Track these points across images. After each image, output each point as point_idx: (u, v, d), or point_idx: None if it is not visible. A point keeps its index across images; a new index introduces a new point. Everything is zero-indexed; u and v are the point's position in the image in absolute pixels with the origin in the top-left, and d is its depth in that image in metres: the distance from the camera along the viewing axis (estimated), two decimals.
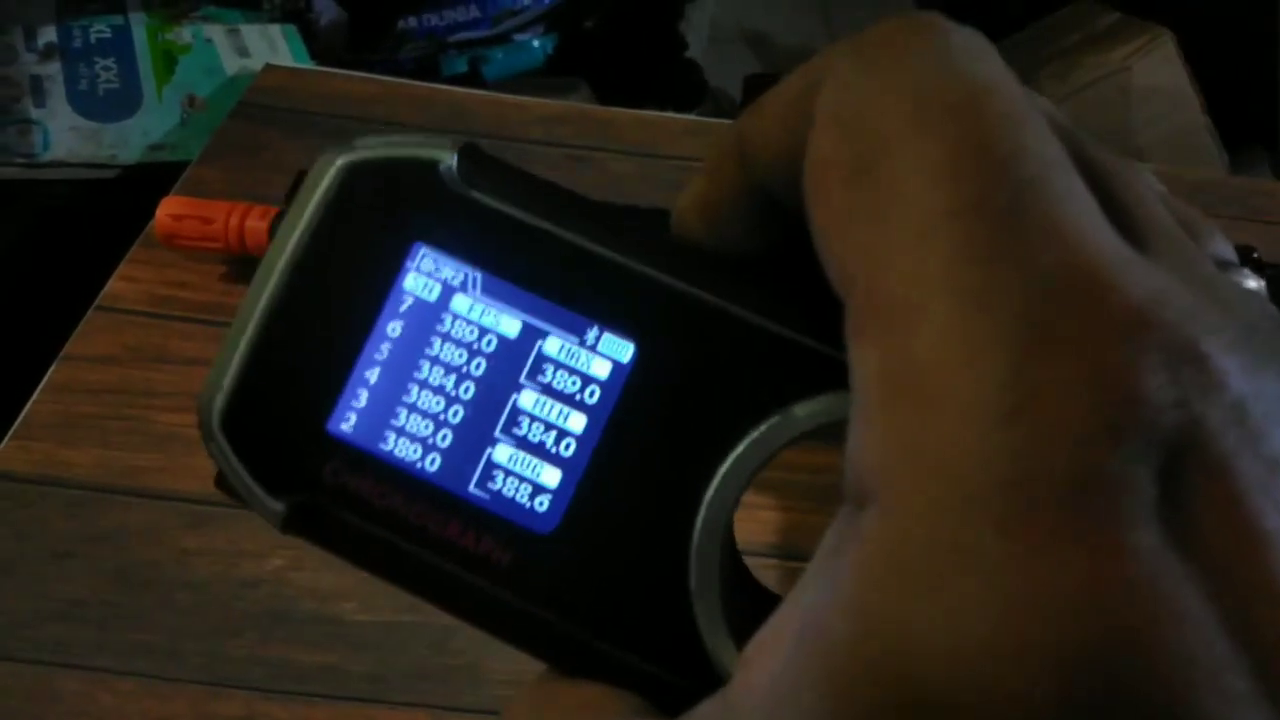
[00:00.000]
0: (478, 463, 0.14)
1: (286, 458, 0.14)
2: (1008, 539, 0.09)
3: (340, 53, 0.87)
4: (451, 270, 0.14)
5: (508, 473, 0.14)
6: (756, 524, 0.44)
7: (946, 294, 0.10)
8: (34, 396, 0.47)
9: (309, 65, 0.69)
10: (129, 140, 0.63)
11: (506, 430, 0.14)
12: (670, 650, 0.13)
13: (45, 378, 0.47)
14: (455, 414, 0.14)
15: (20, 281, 0.60)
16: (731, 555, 0.14)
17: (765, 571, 0.35)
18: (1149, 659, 0.09)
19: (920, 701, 0.09)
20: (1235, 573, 0.10)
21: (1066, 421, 0.09)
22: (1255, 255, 0.55)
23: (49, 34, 0.65)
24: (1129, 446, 0.09)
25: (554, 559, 0.14)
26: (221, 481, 0.15)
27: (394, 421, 0.14)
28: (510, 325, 0.14)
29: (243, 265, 0.52)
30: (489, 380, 0.14)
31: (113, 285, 0.52)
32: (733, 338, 0.14)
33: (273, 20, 0.71)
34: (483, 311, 0.14)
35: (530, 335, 0.14)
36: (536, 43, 0.97)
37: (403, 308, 0.14)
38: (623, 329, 0.14)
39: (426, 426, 0.14)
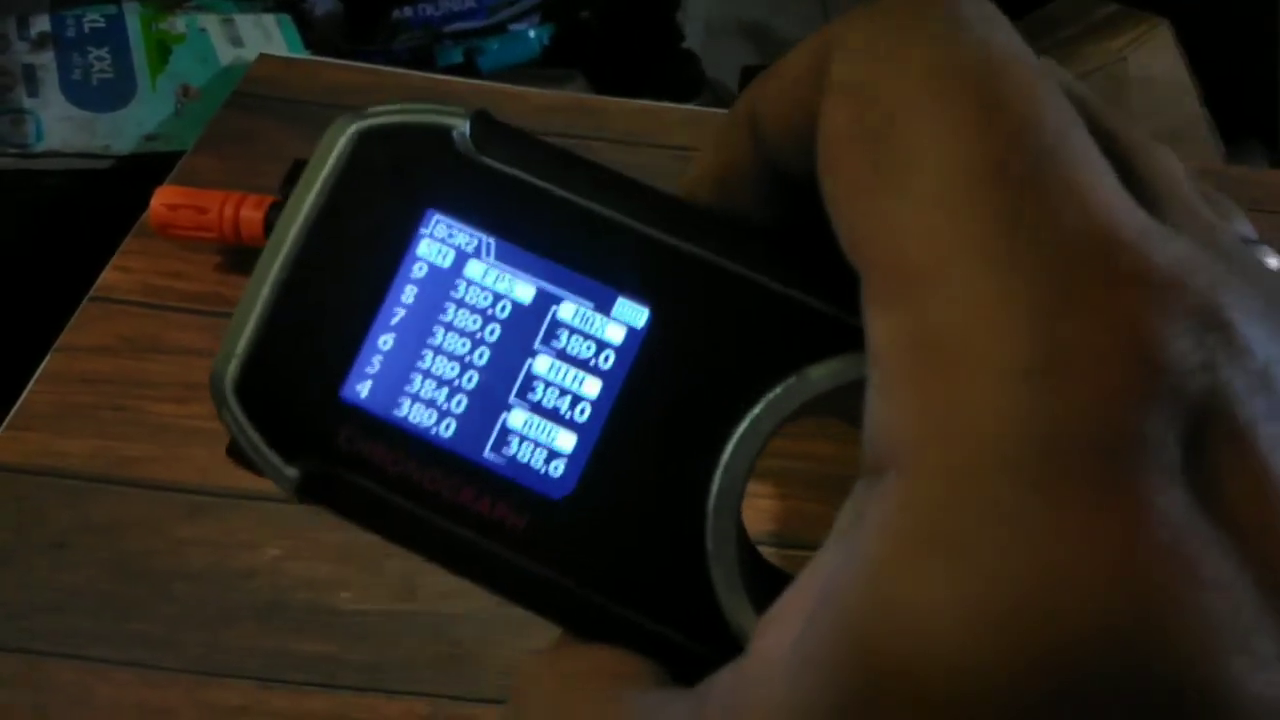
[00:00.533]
0: (492, 428, 0.14)
1: (300, 424, 0.14)
2: (1039, 501, 0.09)
3: (336, 43, 0.86)
4: (465, 236, 0.14)
5: (523, 438, 0.14)
6: (754, 511, 0.44)
7: (968, 259, 0.10)
8: (29, 386, 0.46)
9: (304, 55, 0.68)
10: (123, 130, 0.63)
11: (521, 395, 0.14)
12: (686, 614, 0.13)
13: (40, 368, 0.47)
14: (470, 380, 0.14)
15: (14, 272, 0.60)
16: (742, 525, 0.14)
17: None
18: (1178, 623, 0.09)
19: (941, 667, 0.09)
20: (1262, 536, 0.10)
21: (1095, 384, 0.09)
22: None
23: (42, 23, 0.65)
24: (1157, 409, 0.09)
25: (569, 523, 0.14)
26: (234, 449, 0.15)
27: (408, 388, 0.14)
28: (524, 291, 0.14)
29: (237, 255, 0.52)
30: (503, 346, 0.14)
31: (107, 275, 0.52)
32: (746, 301, 0.13)
33: (267, 10, 0.71)
34: (496, 277, 0.14)
35: (544, 300, 0.14)
36: (532, 33, 0.97)
37: (416, 274, 0.14)
38: (637, 293, 0.14)
39: (441, 392, 0.14)
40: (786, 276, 0.13)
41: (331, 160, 0.14)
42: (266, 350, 0.14)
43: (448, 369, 0.14)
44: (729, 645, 0.13)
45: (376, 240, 0.14)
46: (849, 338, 0.13)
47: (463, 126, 0.14)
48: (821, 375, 0.13)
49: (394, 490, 0.14)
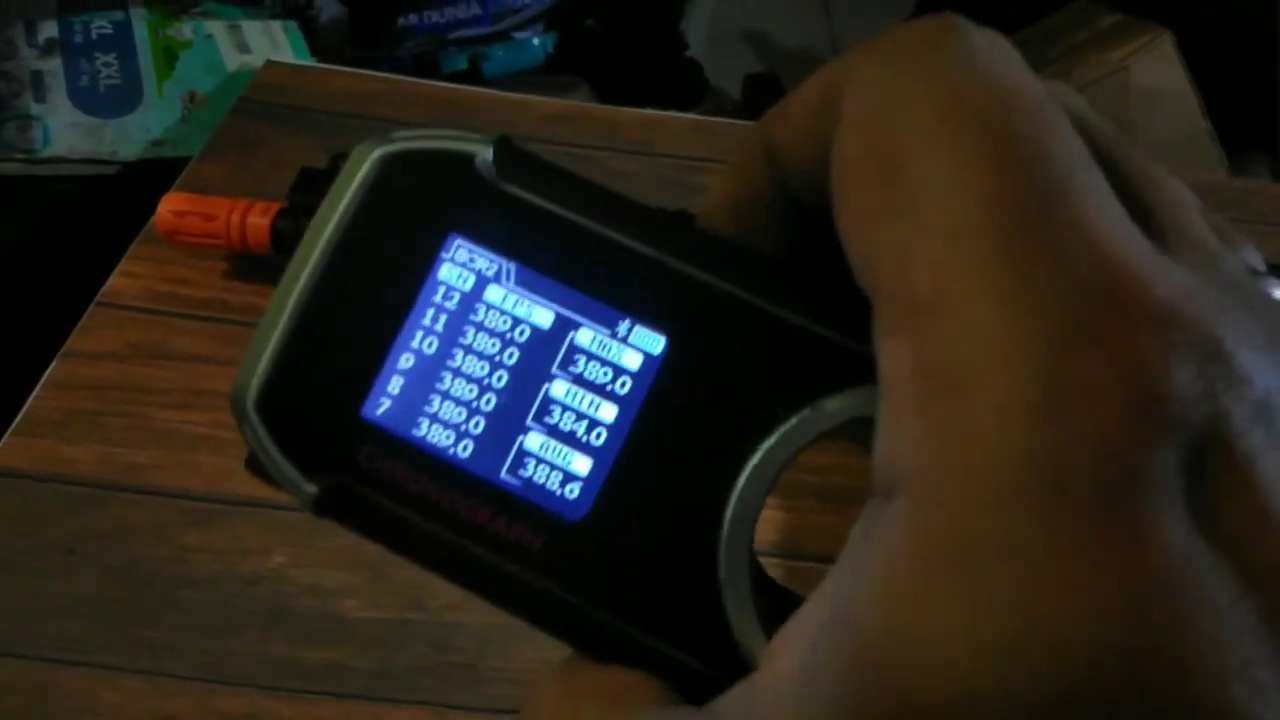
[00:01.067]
0: (509, 450, 0.14)
1: (320, 441, 0.14)
2: (1044, 532, 0.10)
3: (341, 49, 0.87)
4: (486, 261, 0.14)
5: (539, 460, 0.14)
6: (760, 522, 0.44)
7: (978, 292, 0.10)
8: (35, 393, 0.46)
9: (310, 62, 0.69)
10: (129, 136, 0.63)
11: (538, 419, 0.14)
12: (698, 638, 0.14)
13: (46, 374, 0.47)
14: (488, 402, 0.14)
15: (21, 277, 0.60)
16: (754, 550, 0.14)
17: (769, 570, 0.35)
18: (1179, 651, 0.09)
19: (950, 692, 0.09)
20: (1263, 566, 0.10)
21: (1099, 417, 0.10)
22: None
23: (50, 29, 0.65)
24: (1158, 441, 0.10)
25: (584, 545, 0.14)
26: (253, 462, 0.15)
27: (427, 408, 0.14)
28: (543, 316, 0.14)
29: (244, 262, 0.52)
30: (521, 369, 0.14)
31: (113, 281, 0.52)
32: (763, 332, 0.14)
33: (273, 17, 0.71)
34: (516, 302, 0.14)
35: (563, 326, 0.14)
36: (537, 40, 0.97)
37: (437, 297, 0.14)
38: (654, 321, 0.14)
39: (459, 414, 0.14)
40: (802, 308, 0.14)
41: (356, 183, 0.14)
42: (288, 367, 0.14)
43: (467, 391, 0.14)
44: (739, 667, 0.13)
45: (399, 262, 0.14)
46: (864, 369, 0.13)
47: (485, 153, 0.14)
48: (836, 407, 0.13)
49: (411, 508, 0.14)
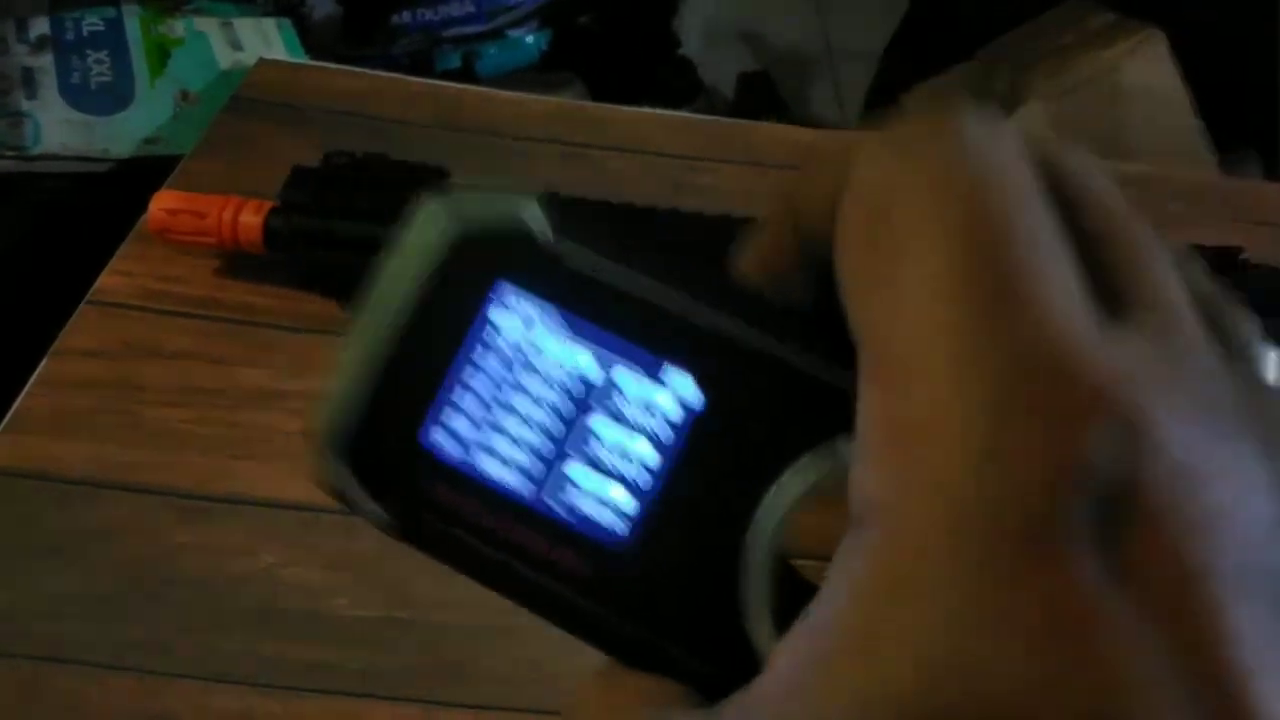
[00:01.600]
0: (560, 482, 0.16)
1: (390, 472, 0.16)
2: (975, 572, 0.11)
3: (334, 47, 0.86)
4: (534, 308, 0.16)
5: (585, 493, 0.16)
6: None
7: (939, 355, 0.12)
8: (25, 390, 0.46)
9: (304, 59, 0.68)
10: (121, 134, 0.63)
11: (584, 456, 0.16)
12: (723, 652, 0.15)
13: (36, 371, 0.47)
14: (538, 438, 0.16)
15: (11, 274, 0.60)
16: (782, 564, 0.16)
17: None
18: (1088, 680, 0.11)
19: (899, 703, 0.11)
20: (1165, 602, 0.11)
21: (1026, 477, 0.12)
22: (1243, 256, 0.55)
23: (41, 25, 0.64)
24: (1074, 499, 0.11)
25: (624, 570, 0.16)
26: (331, 491, 0.17)
27: (482, 442, 0.16)
28: (588, 360, 0.16)
29: (236, 259, 0.52)
30: (568, 409, 0.16)
31: (105, 279, 0.52)
32: (787, 383, 0.16)
33: (266, 14, 0.71)
34: (563, 346, 0.16)
35: (607, 369, 0.16)
36: (530, 39, 0.97)
37: (491, 338, 0.16)
38: (691, 370, 0.16)
39: (512, 448, 0.16)
40: (824, 361, 0.15)
41: (422, 244, 0.16)
42: (359, 406, 0.16)
43: (518, 427, 0.16)
44: (755, 674, 0.15)
45: (454, 307, 0.16)
46: None
47: (533, 208, 0.16)
48: (845, 449, 0.15)
49: (472, 534, 0.16)
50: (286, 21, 0.70)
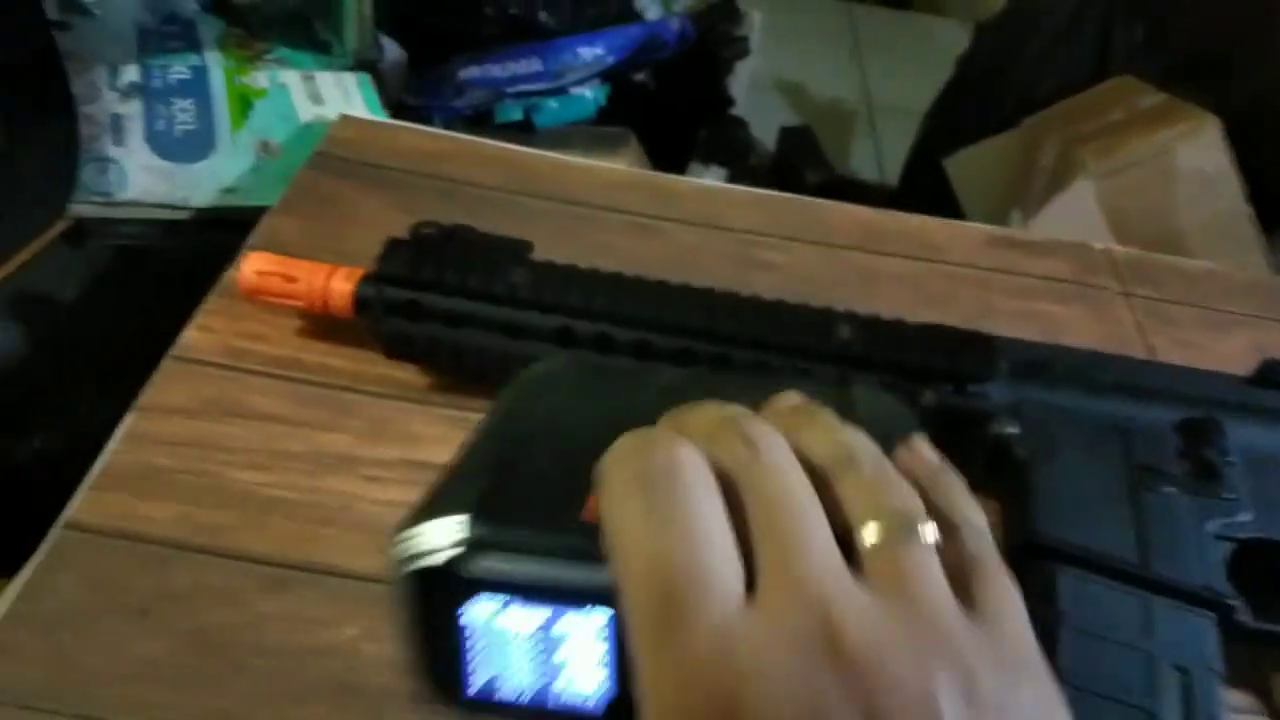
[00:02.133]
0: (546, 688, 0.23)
1: None
2: None
3: (399, 97, 0.88)
4: (495, 602, 0.23)
5: (566, 694, 0.23)
6: None
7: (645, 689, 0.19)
8: (110, 446, 0.47)
9: (382, 116, 0.70)
10: (202, 182, 0.64)
11: (557, 685, 0.23)
12: None
13: (121, 427, 0.48)
14: (524, 669, 0.23)
15: (89, 318, 0.60)
16: None
17: None
18: None
19: None
20: None
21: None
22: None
23: (131, 73, 0.66)
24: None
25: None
26: None
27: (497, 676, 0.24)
28: (545, 616, 0.23)
29: (319, 320, 0.53)
30: (545, 653, 0.23)
31: (189, 334, 0.52)
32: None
33: (345, 68, 0.72)
34: (522, 613, 0.23)
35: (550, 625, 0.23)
36: (590, 94, 0.99)
37: (475, 619, 0.23)
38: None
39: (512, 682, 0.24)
40: None
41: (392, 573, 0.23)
42: None
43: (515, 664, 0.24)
44: None
45: (441, 619, 0.23)
46: None
47: (460, 536, 0.23)
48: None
49: None
50: (366, 77, 0.71)
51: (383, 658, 0.41)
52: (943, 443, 0.46)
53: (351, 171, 0.63)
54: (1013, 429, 0.43)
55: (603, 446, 0.23)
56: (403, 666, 0.44)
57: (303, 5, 0.72)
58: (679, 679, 0.18)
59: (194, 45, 0.69)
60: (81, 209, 0.60)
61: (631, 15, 1.04)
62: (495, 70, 0.89)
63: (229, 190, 0.64)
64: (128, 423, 0.48)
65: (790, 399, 0.25)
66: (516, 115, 0.93)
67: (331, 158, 0.63)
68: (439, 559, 0.22)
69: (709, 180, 0.71)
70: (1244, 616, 0.38)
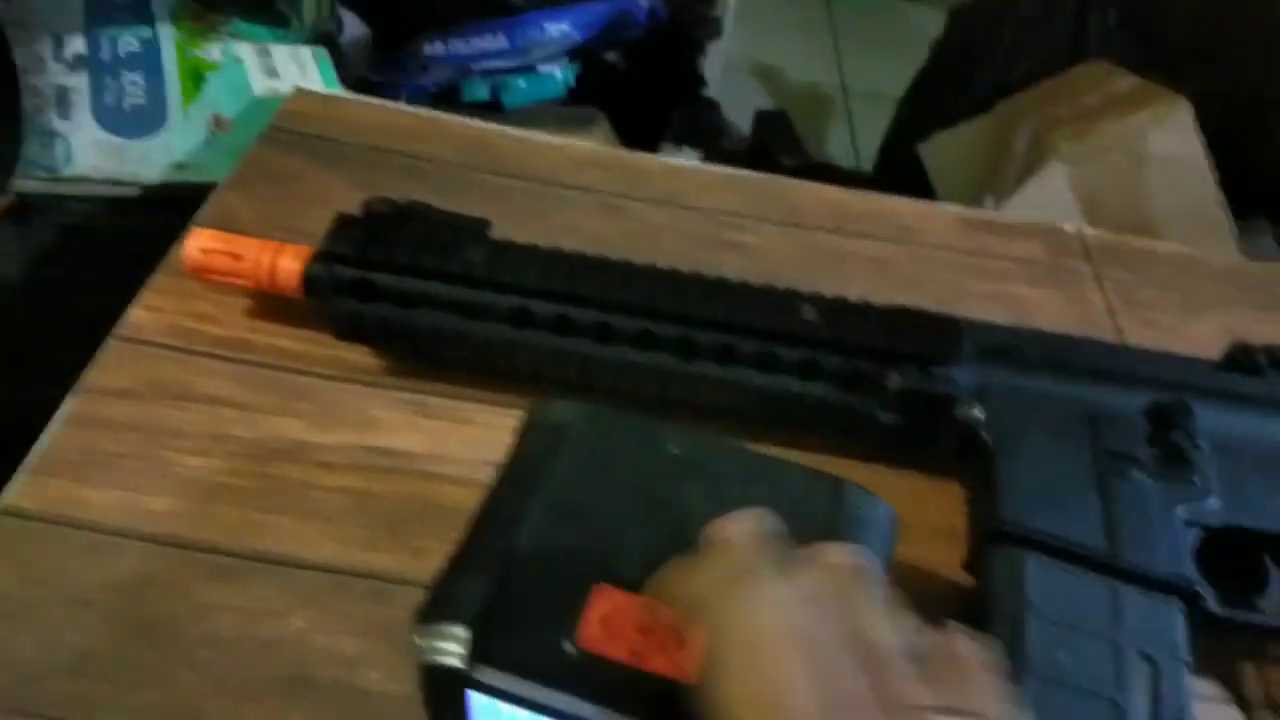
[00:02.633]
0: None
1: None
2: None
3: (362, 73, 0.86)
4: (495, 700, 0.28)
5: None
6: None
7: None
8: (50, 429, 0.45)
9: (339, 91, 0.68)
10: (152, 157, 0.62)
11: None
12: None
13: (62, 409, 0.46)
14: None
15: (34, 296, 0.58)
16: None
17: None
18: None
19: None
20: None
21: None
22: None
23: (77, 44, 0.63)
24: None
25: None
26: None
27: None
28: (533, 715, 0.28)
29: (269, 300, 0.51)
30: None
31: (134, 314, 0.51)
32: None
33: (302, 40, 0.70)
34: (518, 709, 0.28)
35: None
36: (559, 73, 0.97)
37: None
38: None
39: None
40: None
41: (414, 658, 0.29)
42: None
43: None
44: None
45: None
46: None
47: (461, 643, 0.28)
48: None
49: None
50: (323, 51, 0.69)
51: (334, 650, 0.39)
52: (909, 428, 0.46)
53: (306, 147, 0.61)
54: (979, 413, 0.42)
55: (605, 555, 0.28)
56: (355, 660, 0.42)
57: None
58: None
59: (145, 17, 0.67)
60: (26, 185, 0.58)
61: None
62: (460, 46, 0.87)
63: (180, 166, 0.62)
64: (69, 405, 0.46)
65: (840, 554, 0.27)
66: (483, 94, 0.91)
67: (286, 133, 0.61)
68: (448, 661, 0.27)
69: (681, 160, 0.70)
70: (1212, 604, 0.38)
